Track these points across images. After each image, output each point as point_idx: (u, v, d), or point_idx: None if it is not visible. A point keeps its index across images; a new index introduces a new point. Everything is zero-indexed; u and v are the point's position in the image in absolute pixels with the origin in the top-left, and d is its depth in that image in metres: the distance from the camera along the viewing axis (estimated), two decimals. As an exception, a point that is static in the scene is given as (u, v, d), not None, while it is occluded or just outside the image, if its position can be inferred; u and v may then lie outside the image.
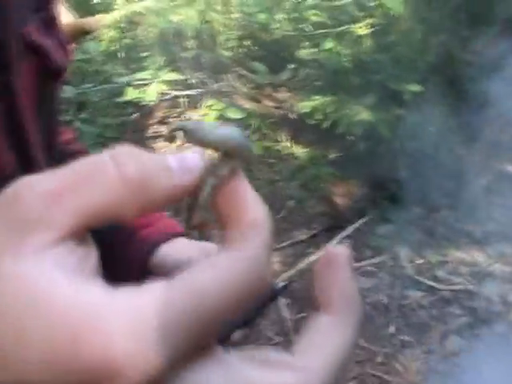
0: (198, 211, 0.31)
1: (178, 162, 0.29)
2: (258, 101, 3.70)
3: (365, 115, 2.89)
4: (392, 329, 2.64)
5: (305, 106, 3.00)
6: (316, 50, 3.32)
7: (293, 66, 3.40)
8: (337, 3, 3.23)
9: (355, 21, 3.05)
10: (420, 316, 2.70)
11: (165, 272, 0.73)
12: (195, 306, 0.25)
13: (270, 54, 3.45)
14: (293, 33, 3.48)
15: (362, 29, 3.03)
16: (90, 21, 1.79)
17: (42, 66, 0.55)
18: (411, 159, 3.03)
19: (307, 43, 3.46)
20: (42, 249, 0.26)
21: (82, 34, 1.87)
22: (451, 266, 2.91)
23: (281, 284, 0.83)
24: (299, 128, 3.39)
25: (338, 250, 0.32)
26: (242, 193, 0.30)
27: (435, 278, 2.86)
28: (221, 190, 0.30)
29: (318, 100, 2.99)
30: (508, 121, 2.94)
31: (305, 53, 3.41)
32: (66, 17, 1.91)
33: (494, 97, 2.78)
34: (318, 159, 3.36)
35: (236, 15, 3.63)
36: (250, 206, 0.29)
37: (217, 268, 0.27)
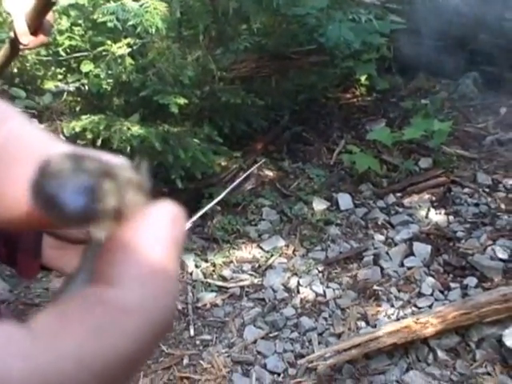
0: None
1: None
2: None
3: (136, 130, 2.94)
4: (192, 331, 2.70)
5: (74, 126, 2.95)
6: (75, 74, 3.30)
7: (52, 90, 3.31)
8: (90, 25, 3.24)
9: (115, 41, 3.09)
10: (216, 314, 2.80)
11: None
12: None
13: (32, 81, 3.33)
14: (46, 58, 3.40)
15: (121, 49, 3.09)
16: None
17: None
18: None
19: (63, 69, 3.41)
20: None
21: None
22: (235, 265, 3.07)
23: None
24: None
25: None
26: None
27: (222, 278, 2.99)
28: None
29: (86, 120, 2.97)
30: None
31: (62, 76, 3.37)
32: None
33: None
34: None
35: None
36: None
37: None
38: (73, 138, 3.10)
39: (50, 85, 3.50)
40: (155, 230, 0.22)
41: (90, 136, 2.98)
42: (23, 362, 0.18)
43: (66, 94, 3.42)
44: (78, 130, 2.98)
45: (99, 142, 2.97)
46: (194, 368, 2.53)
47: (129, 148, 2.97)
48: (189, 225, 0.92)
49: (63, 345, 0.19)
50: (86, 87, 3.37)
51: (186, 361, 2.55)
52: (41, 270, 0.73)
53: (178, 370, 2.51)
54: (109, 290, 0.20)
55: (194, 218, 1.02)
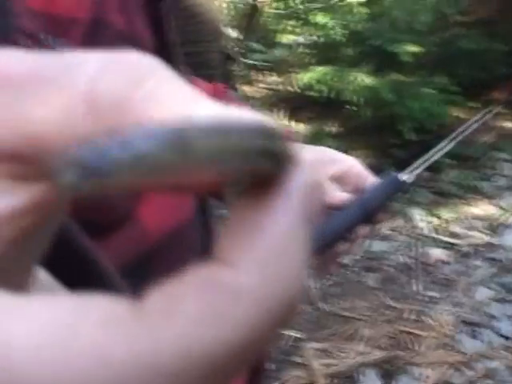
0: None
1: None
2: (250, 83, 3.70)
3: (367, 80, 2.90)
4: (418, 287, 2.65)
5: (305, 78, 3.01)
6: (309, 26, 3.34)
7: (286, 43, 3.40)
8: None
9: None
10: (444, 271, 2.71)
11: None
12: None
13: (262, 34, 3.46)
14: (281, 11, 3.49)
15: (354, -2, 3.06)
16: None
17: None
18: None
19: (299, 21, 3.47)
20: None
21: None
22: (466, 221, 2.93)
23: (405, 177, 0.78)
24: (297, 105, 3.38)
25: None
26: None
27: (452, 235, 2.87)
28: None
29: (318, 71, 3.00)
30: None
31: (296, 29, 3.43)
32: None
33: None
34: (319, 134, 3.36)
35: None
36: None
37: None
38: (305, 90, 3.17)
39: (284, 38, 3.60)
40: (287, 206, 0.19)
41: (321, 87, 3.01)
42: (126, 343, 0.17)
43: (299, 46, 3.49)
44: (309, 81, 3.03)
45: (331, 94, 2.99)
46: (418, 324, 2.48)
47: (359, 99, 2.95)
48: (413, 177, 0.88)
49: (170, 329, 0.17)
50: (319, 39, 3.40)
51: (409, 316, 2.52)
52: None
53: (401, 324, 2.48)
54: (224, 269, 0.18)
55: (419, 170, 0.97)
